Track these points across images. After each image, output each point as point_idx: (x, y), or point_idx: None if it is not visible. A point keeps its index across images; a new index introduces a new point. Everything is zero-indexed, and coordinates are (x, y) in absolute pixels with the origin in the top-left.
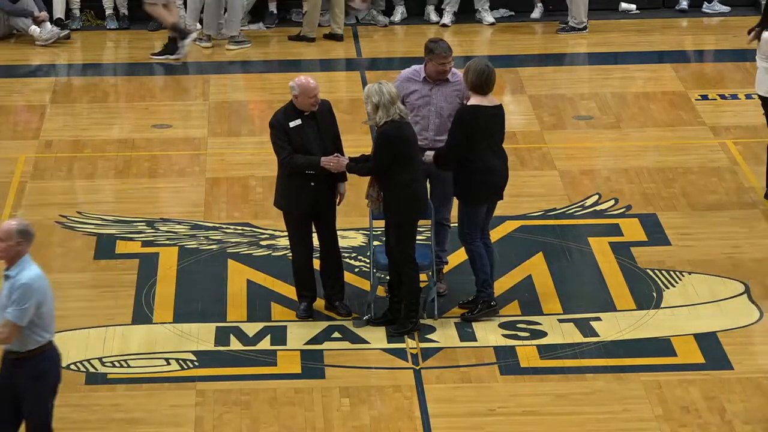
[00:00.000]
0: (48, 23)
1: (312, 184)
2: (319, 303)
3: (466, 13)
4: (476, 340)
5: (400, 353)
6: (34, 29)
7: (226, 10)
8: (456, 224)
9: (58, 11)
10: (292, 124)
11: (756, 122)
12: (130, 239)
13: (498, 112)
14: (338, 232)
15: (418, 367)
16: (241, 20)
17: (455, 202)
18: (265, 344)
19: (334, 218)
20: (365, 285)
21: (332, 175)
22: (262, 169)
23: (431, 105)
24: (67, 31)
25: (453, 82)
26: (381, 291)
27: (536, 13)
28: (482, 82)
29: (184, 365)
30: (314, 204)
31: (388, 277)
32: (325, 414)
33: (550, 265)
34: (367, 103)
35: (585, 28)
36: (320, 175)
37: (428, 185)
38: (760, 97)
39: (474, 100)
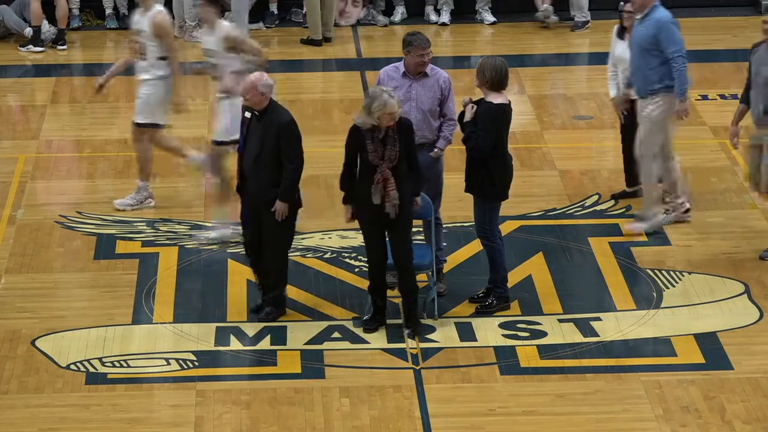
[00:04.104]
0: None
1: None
2: (319, 302)
3: (466, 13)
4: (476, 340)
5: (400, 353)
6: (29, 31)
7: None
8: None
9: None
10: (246, 114)
11: None
12: (130, 239)
13: (511, 108)
14: (338, 233)
15: (418, 367)
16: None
17: (461, 200)
18: (265, 344)
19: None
20: (365, 285)
21: (262, 182)
22: None
23: (412, 100)
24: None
25: (431, 76)
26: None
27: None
28: (501, 78)
29: (184, 365)
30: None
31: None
32: (325, 414)
33: (550, 265)
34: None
35: (588, 22)
36: (252, 177)
37: None
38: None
39: (495, 98)
